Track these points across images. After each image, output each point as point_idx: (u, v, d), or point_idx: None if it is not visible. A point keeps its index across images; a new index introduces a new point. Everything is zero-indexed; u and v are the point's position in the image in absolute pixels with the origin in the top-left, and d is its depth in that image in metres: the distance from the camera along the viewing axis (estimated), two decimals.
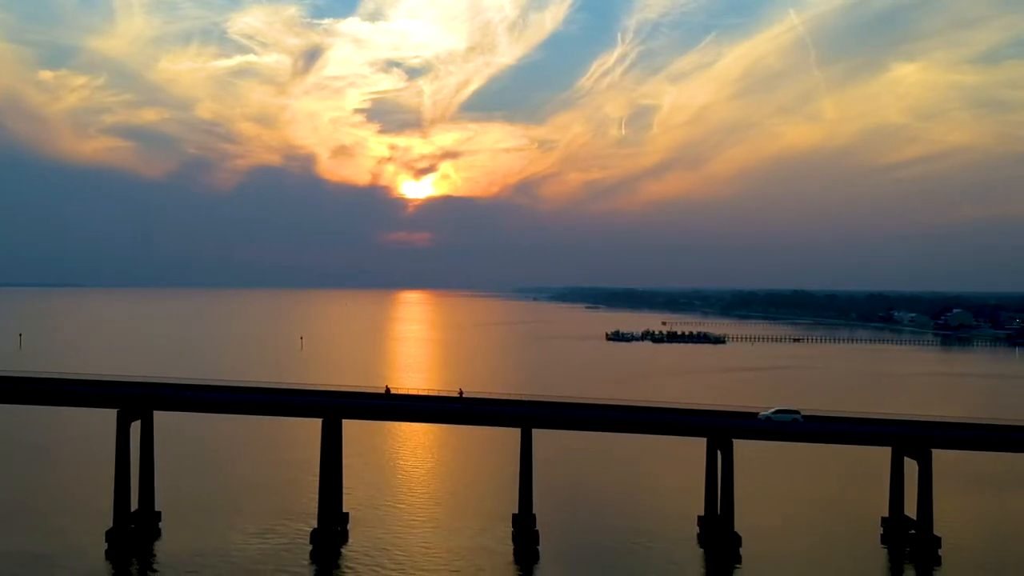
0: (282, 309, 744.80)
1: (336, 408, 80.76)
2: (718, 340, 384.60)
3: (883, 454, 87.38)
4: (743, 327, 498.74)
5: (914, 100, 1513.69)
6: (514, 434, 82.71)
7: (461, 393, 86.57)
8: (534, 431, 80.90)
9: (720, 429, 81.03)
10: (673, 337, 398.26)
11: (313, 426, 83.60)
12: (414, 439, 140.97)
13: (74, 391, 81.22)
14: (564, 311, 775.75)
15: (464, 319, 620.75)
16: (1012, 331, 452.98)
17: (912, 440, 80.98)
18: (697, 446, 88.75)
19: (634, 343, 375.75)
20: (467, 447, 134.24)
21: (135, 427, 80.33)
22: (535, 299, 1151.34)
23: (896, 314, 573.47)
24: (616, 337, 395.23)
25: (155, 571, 71.75)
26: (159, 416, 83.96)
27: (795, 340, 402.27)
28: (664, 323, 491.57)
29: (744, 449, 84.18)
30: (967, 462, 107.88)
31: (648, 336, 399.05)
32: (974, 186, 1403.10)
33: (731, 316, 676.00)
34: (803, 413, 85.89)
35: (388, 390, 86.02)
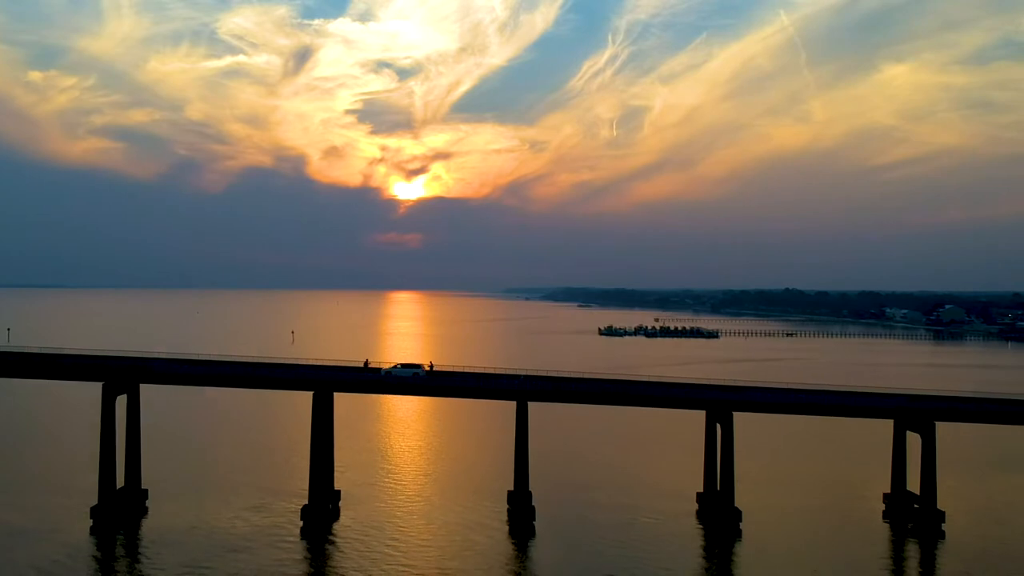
0: (273, 308, 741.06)
1: (328, 381, 78.85)
2: (711, 335, 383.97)
3: (885, 430, 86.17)
4: (735, 323, 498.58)
5: (903, 101, 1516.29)
6: (509, 410, 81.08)
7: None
8: (530, 404, 79.28)
9: (719, 402, 79.46)
10: (666, 332, 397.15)
11: (304, 401, 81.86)
12: (406, 416, 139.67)
13: (59, 363, 79.10)
14: (556, 309, 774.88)
15: (456, 316, 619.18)
16: (1004, 326, 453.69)
17: (915, 412, 79.59)
18: (696, 421, 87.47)
19: (627, 338, 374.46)
20: (461, 424, 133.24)
21: (121, 401, 78.37)
22: (527, 299, 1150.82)
23: (888, 311, 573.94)
24: (609, 332, 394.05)
25: (141, 547, 69.75)
26: (146, 391, 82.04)
27: (788, 335, 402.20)
28: (657, 319, 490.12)
29: (743, 423, 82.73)
30: (969, 438, 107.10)
31: (641, 331, 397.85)
32: (963, 187, 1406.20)
33: (722, 314, 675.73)
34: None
35: (367, 363, 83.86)
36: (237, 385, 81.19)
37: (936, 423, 78.66)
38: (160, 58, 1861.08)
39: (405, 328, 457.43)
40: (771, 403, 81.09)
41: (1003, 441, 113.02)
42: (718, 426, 79.53)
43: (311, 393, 78.15)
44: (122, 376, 77.92)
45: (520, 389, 79.08)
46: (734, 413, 78.25)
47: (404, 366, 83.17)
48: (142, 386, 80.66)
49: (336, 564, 66.48)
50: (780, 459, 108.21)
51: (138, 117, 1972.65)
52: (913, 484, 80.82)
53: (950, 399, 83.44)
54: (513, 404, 79.44)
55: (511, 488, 79.63)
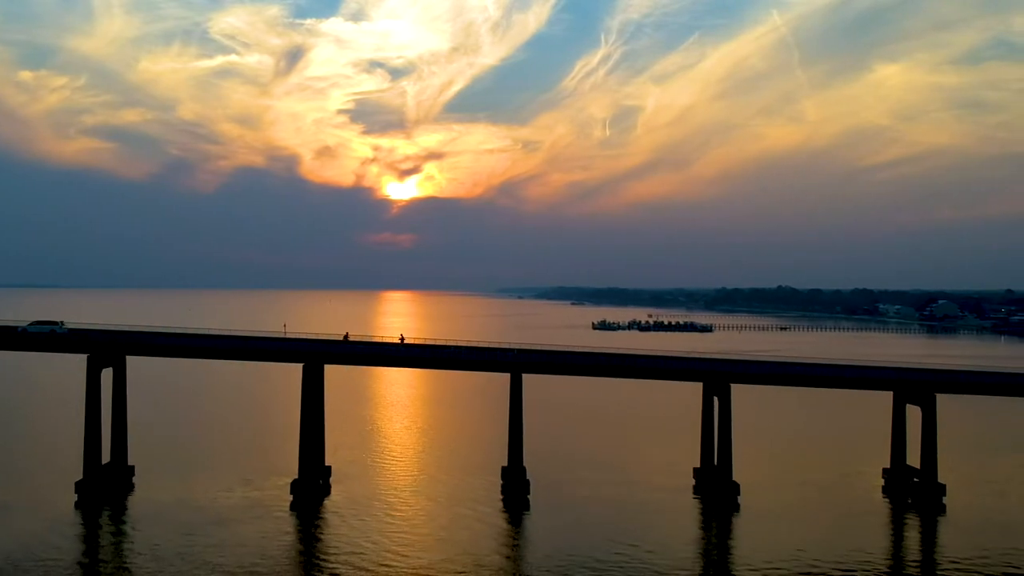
0: (266, 306, 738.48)
1: (318, 352, 77.33)
2: (705, 328, 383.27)
3: (884, 406, 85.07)
4: (729, 319, 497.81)
5: (896, 101, 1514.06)
6: (503, 386, 79.72)
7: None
8: (524, 376, 77.83)
9: (717, 374, 78.15)
10: (660, 326, 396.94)
11: (294, 376, 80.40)
12: (398, 392, 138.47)
13: (42, 336, 77.24)
14: (549, 307, 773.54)
15: (450, 312, 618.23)
16: (997, 320, 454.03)
17: (915, 384, 78.37)
18: (693, 397, 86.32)
19: (620, 332, 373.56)
20: (454, 400, 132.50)
21: (107, 375, 76.71)
22: (520, 297, 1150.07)
23: (881, 307, 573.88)
24: (602, 326, 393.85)
25: (126, 520, 68.38)
26: (132, 365, 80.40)
27: (782, 329, 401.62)
28: (650, 315, 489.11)
29: (740, 400, 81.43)
30: (970, 413, 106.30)
31: (635, 325, 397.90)
32: (955, 186, 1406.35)
33: (716, 310, 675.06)
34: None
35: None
36: (227, 357, 79.59)
37: (937, 395, 77.43)
38: (151, 58, 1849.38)
39: (399, 324, 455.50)
40: (769, 375, 79.79)
41: (1004, 415, 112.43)
42: (715, 399, 78.26)
43: (301, 366, 76.65)
44: (108, 348, 76.23)
45: (514, 361, 77.63)
46: (732, 385, 76.93)
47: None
48: (129, 359, 79.05)
49: (326, 535, 65.03)
50: (778, 435, 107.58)
51: (130, 117, 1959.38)
52: (913, 459, 79.68)
53: (951, 371, 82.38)
54: (507, 377, 78.01)
55: (505, 464, 78.30)
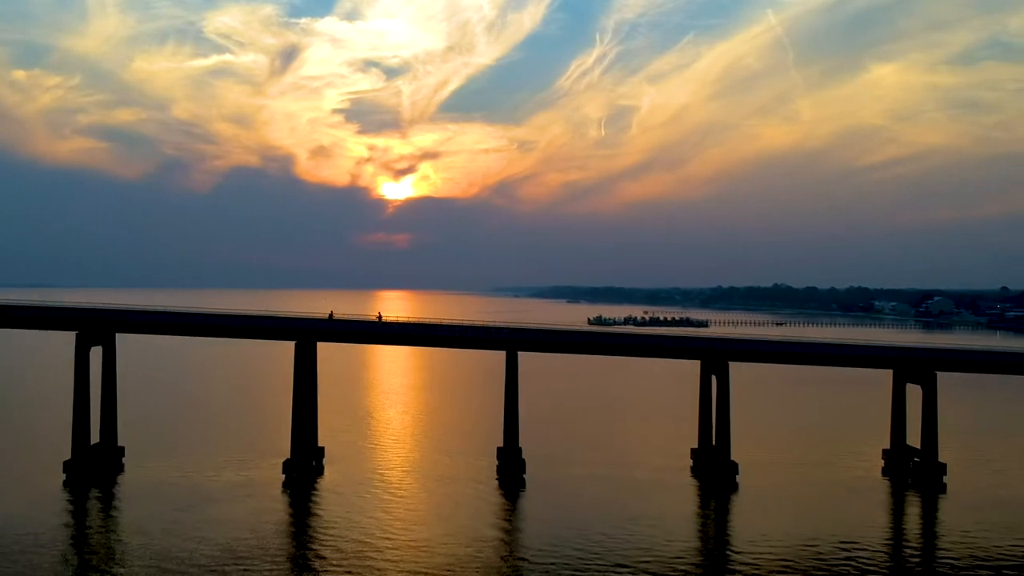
0: (262, 305, 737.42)
1: (311, 330, 76.14)
2: (700, 324, 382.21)
3: (883, 388, 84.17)
4: (725, 315, 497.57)
5: (891, 101, 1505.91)
6: (499, 367, 78.63)
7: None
8: (521, 356, 76.72)
9: (715, 351, 77.11)
10: (656, 322, 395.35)
11: (286, 357, 79.23)
12: (392, 376, 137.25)
13: (31, 313, 75.99)
14: (545, 305, 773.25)
15: (447, 311, 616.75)
16: (992, 316, 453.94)
17: (916, 362, 77.44)
18: (691, 381, 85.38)
19: (617, 327, 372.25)
20: (449, 383, 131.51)
21: (96, 353, 75.37)
22: (516, 296, 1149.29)
23: (877, 303, 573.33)
24: (598, 322, 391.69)
25: (114, 498, 67.18)
26: (122, 343, 79.08)
27: (778, 324, 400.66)
28: (646, 312, 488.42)
29: (738, 383, 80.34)
30: (968, 393, 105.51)
31: (630, 321, 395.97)
32: (951, 186, 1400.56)
33: (712, 308, 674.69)
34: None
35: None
36: (219, 335, 78.30)
37: (937, 373, 76.45)
38: (146, 57, 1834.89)
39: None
40: (769, 352, 78.70)
41: (1003, 395, 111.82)
42: (713, 378, 77.22)
43: (293, 344, 75.45)
44: (97, 326, 74.92)
45: (509, 338, 76.49)
46: (730, 363, 75.90)
47: None
48: (119, 337, 77.74)
49: (318, 513, 63.91)
50: (777, 415, 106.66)
51: (124, 116, 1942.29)
52: (913, 439, 78.74)
53: (952, 350, 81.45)
54: (503, 356, 76.88)
55: (500, 444, 77.22)
